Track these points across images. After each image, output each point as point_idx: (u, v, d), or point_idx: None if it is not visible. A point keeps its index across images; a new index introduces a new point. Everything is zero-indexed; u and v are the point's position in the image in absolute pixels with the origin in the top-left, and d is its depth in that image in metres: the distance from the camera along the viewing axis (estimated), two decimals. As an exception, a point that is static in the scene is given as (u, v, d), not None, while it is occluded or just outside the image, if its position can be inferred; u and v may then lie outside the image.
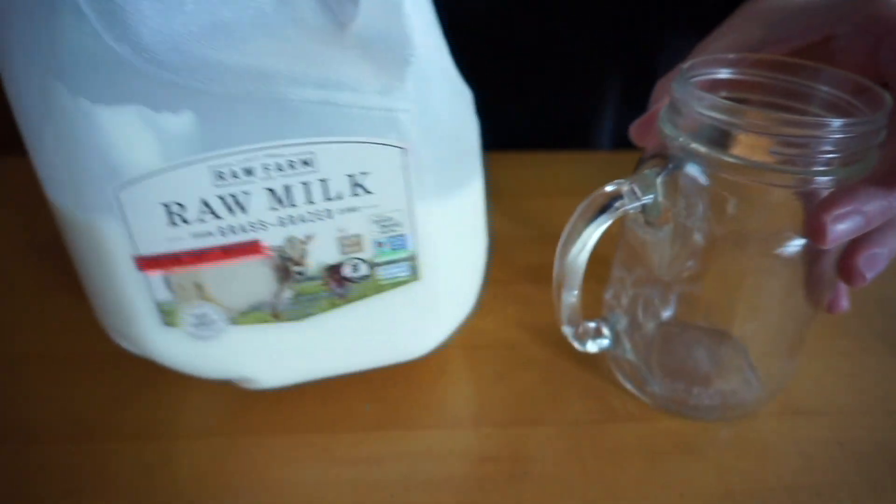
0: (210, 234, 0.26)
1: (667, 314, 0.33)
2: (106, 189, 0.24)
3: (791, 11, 0.32)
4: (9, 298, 0.39)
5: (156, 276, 0.26)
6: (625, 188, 0.28)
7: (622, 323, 0.33)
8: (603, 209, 0.28)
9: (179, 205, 0.25)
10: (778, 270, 0.29)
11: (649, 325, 0.33)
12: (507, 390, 0.34)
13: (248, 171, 0.25)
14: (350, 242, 0.27)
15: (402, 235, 0.28)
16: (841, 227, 0.25)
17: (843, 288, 0.32)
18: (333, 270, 0.28)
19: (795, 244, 0.27)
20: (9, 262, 0.42)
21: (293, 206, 0.26)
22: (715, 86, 0.29)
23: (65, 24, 0.21)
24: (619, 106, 0.60)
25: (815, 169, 0.24)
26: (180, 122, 0.23)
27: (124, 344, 0.30)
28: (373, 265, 0.28)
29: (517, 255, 0.43)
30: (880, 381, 0.35)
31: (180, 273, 0.26)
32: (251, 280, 0.27)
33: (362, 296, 0.29)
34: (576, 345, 0.33)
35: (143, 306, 0.27)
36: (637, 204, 0.28)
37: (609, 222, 0.28)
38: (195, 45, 0.22)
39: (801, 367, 0.36)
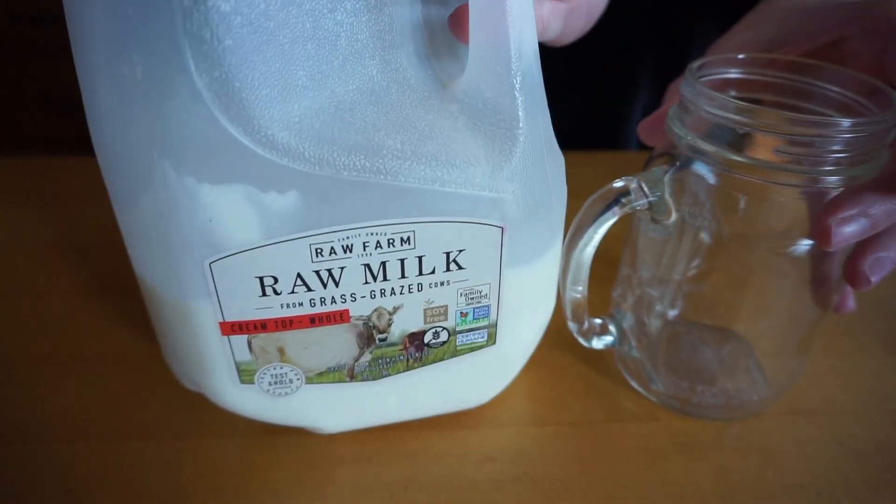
0: (300, 304, 0.25)
1: (673, 313, 0.33)
2: (199, 262, 0.24)
3: (804, 12, 0.32)
4: (10, 298, 0.39)
5: (239, 339, 0.26)
6: (632, 185, 0.28)
7: (628, 321, 0.33)
8: (610, 205, 0.28)
9: (274, 278, 0.24)
10: (786, 269, 0.29)
11: (655, 324, 0.33)
12: (508, 390, 0.34)
13: (348, 248, 0.24)
14: (435, 312, 0.27)
15: (486, 306, 0.28)
16: (846, 230, 0.25)
17: (849, 288, 0.32)
18: (414, 337, 0.28)
19: (803, 244, 0.27)
20: (9, 262, 0.42)
21: (386, 280, 0.26)
22: (724, 85, 0.29)
23: (179, 105, 0.21)
24: (647, 106, 0.60)
25: (824, 168, 0.24)
26: (285, 201, 0.23)
27: (191, 387, 0.30)
28: (453, 332, 0.28)
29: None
30: (880, 381, 0.35)
31: (263, 337, 0.26)
32: (333, 345, 0.27)
33: (438, 359, 0.29)
34: (581, 341, 0.33)
35: (221, 365, 0.27)
36: (644, 201, 0.28)
37: (615, 218, 0.28)
38: (307, 122, 0.22)
39: (800, 367, 0.36)
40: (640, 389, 0.34)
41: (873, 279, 0.27)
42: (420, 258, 0.25)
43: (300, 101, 0.22)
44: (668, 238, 0.30)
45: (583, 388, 0.34)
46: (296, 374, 0.28)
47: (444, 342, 0.28)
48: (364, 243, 0.24)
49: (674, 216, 0.29)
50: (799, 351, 0.32)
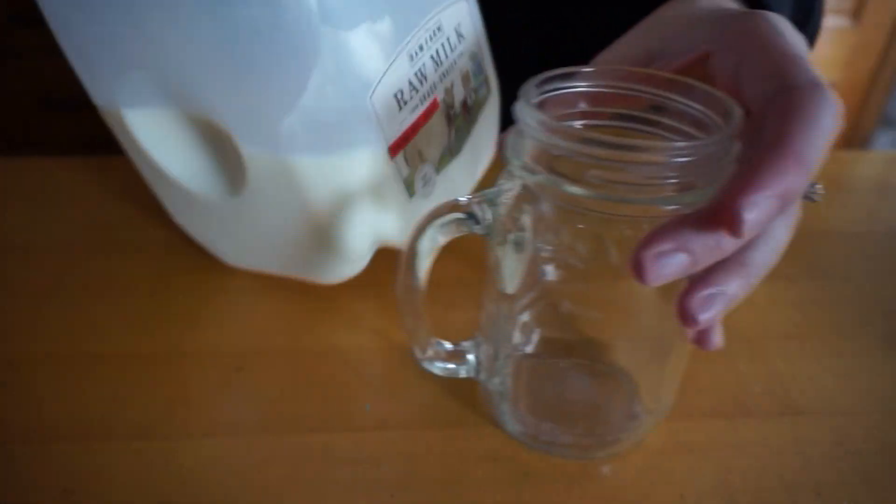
0: (416, 105, 0.33)
1: (525, 342, 0.30)
2: (364, 99, 0.30)
3: (685, 24, 0.30)
4: (10, 298, 0.39)
5: (399, 156, 0.33)
6: (473, 202, 0.26)
7: (483, 349, 0.31)
8: (442, 224, 0.26)
9: (400, 91, 0.31)
10: (641, 296, 0.27)
11: (506, 354, 0.30)
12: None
13: (420, 48, 0.32)
14: (464, 77, 0.37)
15: (479, 60, 0.38)
16: (662, 267, 0.22)
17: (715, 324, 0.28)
18: (463, 104, 0.37)
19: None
20: (9, 262, 0.42)
21: (441, 63, 0.34)
22: (575, 99, 0.27)
23: None
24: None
25: (657, 197, 0.22)
26: (385, 26, 0.30)
27: (368, 248, 0.36)
28: (475, 90, 0.38)
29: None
30: (880, 381, 0.35)
31: (408, 146, 0.33)
32: (437, 131, 0.35)
33: (475, 117, 0.39)
34: (423, 365, 0.31)
35: (395, 187, 0.33)
36: (479, 225, 0.26)
37: (446, 238, 0.27)
38: None
39: (801, 367, 0.36)
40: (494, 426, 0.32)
41: (700, 318, 0.23)
42: (448, 38, 0.35)
43: None
44: (511, 262, 0.27)
45: (583, 388, 0.34)
46: (430, 169, 0.35)
47: (475, 99, 0.38)
48: (425, 39, 0.33)
49: (510, 238, 0.26)
50: (671, 375, 0.30)
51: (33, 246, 0.44)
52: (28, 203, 0.48)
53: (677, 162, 0.22)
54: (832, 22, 1.46)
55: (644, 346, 0.31)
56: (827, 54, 1.48)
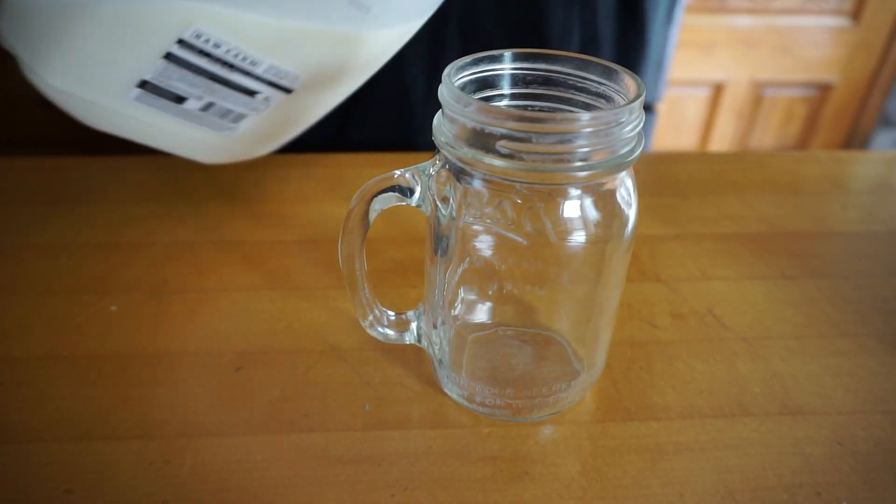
0: None
1: (460, 309, 0.32)
2: None
3: None
4: (10, 298, 0.39)
5: None
6: (406, 176, 0.28)
7: (424, 318, 0.33)
8: (376, 195, 0.29)
9: None
10: (568, 262, 0.29)
11: (443, 321, 0.32)
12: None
13: None
14: None
15: None
16: None
17: None
18: None
19: (579, 235, 0.27)
20: (9, 261, 0.42)
21: None
22: (494, 81, 0.30)
23: None
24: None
25: (562, 165, 0.25)
26: None
27: None
28: None
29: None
30: (880, 381, 0.35)
31: None
32: None
33: None
34: (369, 331, 0.33)
35: None
36: (411, 197, 0.29)
37: (382, 207, 0.29)
38: None
39: (801, 367, 0.36)
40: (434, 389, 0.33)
41: None
42: None
43: None
44: (446, 232, 0.29)
45: (583, 388, 0.34)
46: None
47: None
48: None
49: (444, 210, 0.28)
50: (604, 337, 0.32)
51: (33, 246, 0.44)
52: (28, 203, 0.48)
53: (581, 132, 0.24)
54: (832, 22, 1.45)
55: (574, 309, 0.32)
56: (827, 54, 1.48)
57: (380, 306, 0.33)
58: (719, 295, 0.41)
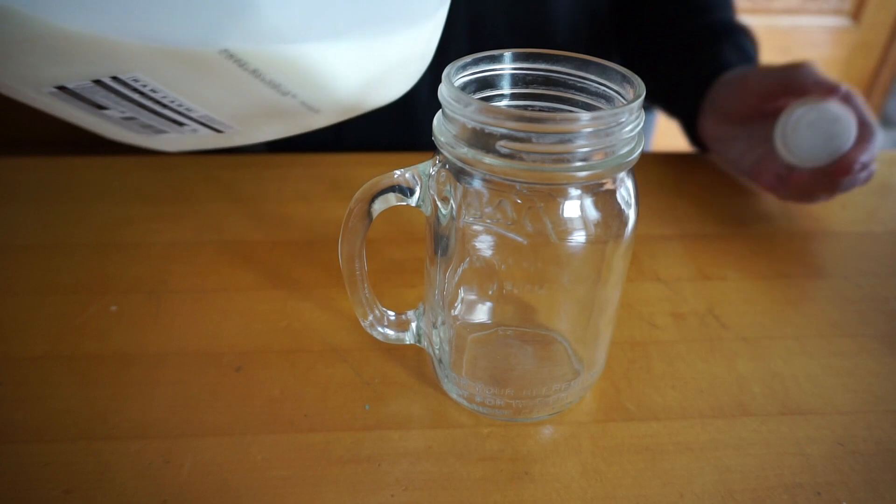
0: None
1: (460, 309, 0.32)
2: None
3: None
4: (10, 298, 0.39)
5: None
6: (406, 176, 0.28)
7: (425, 317, 0.33)
8: (377, 195, 0.29)
9: None
10: (568, 262, 0.29)
11: (443, 321, 0.32)
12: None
13: None
14: None
15: None
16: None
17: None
18: None
19: (579, 235, 0.27)
20: (9, 262, 0.42)
21: None
22: (495, 81, 0.30)
23: None
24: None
25: (568, 165, 0.25)
26: None
27: None
28: None
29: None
30: (880, 381, 0.35)
31: None
32: None
33: None
34: (369, 331, 0.33)
35: None
36: (411, 197, 0.29)
37: (381, 207, 0.29)
38: None
39: (801, 367, 0.36)
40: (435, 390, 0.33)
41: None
42: None
43: None
44: (447, 233, 0.29)
45: (583, 388, 0.34)
46: None
47: None
48: None
49: (444, 210, 0.28)
50: (604, 338, 0.32)
51: (33, 246, 0.44)
52: (28, 203, 0.48)
53: (579, 132, 0.24)
54: (832, 22, 1.45)
55: (574, 310, 0.32)
56: (827, 54, 1.48)
57: (380, 306, 0.33)
58: (719, 295, 0.41)
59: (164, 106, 0.34)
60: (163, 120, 0.37)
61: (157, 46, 0.28)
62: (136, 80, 0.31)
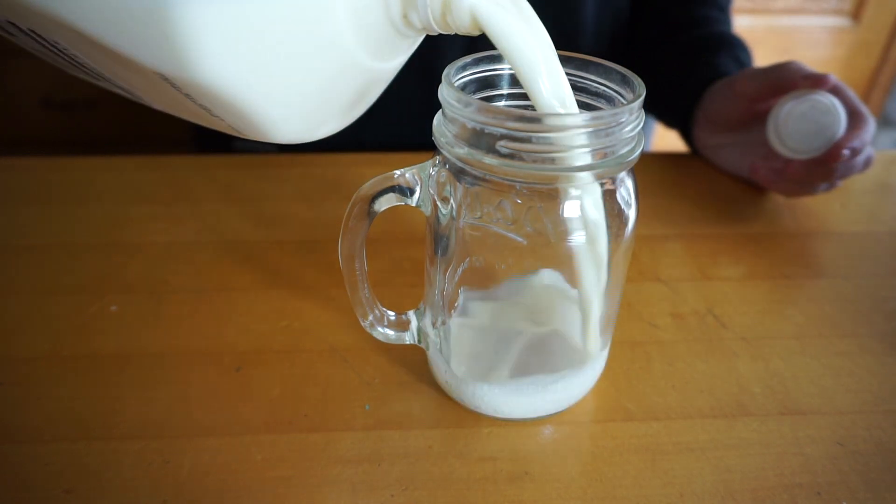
0: None
1: (460, 309, 0.32)
2: None
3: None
4: (10, 298, 0.39)
5: None
6: (406, 176, 0.28)
7: (425, 317, 0.33)
8: (377, 196, 0.29)
9: None
10: (566, 260, 0.29)
11: (443, 320, 0.32)
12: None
13: None
14: None
15: None
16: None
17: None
18: None
19: (579, 235, 0.27)
20: (9, 262, 0.42)
21: None
22: (495, 81, 0.30)
23: None
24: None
25: (560, 165, 0.25)
26: None
27: None
28: None
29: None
30: (880, 381, 0.35)
31: None
32: None
33: None
34: (369, 331, 0.33)
35: None
36: (411, 197, 0.29)
37: (382, 208, 0.29)
38: None
39: (801, 366, 0.36)
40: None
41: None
42: None
43: None
44: (447, 232, 0.29)
45: (583, 388, 0.34)
46: None
47: None
48: None
49: (444, 210, 0.28)
50: (604, 335, 0.32)
51: (33, 246, 0.44)
52: (28, 203, 0.48)
53: (577, 132, 0.24)
54: (832, 22, 1.45)
55: (574, 309, 0.32)
56: (827, 54, 1.48)
57: (380, 306, 0.33)
58: (719, 295, 0.41)
59: (82, 66, 0.30)
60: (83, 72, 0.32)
61: (93, 34, 0.24)
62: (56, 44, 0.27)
